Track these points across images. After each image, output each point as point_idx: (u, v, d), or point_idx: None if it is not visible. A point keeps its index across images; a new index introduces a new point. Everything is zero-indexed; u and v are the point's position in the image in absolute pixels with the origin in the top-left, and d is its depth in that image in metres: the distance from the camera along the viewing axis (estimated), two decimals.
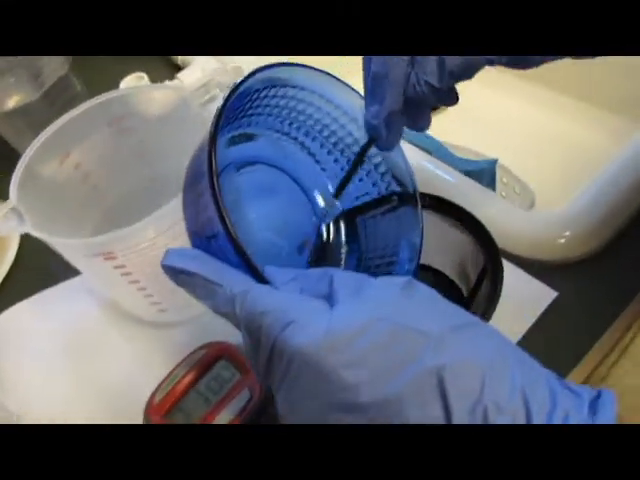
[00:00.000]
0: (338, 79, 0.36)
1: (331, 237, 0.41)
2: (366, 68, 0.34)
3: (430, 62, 0.31)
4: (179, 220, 0.31)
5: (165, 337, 0.48)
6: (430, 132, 0.62)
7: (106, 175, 0.48)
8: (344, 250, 0.41)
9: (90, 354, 0.48)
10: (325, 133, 0.40)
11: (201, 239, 0.31)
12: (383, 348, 0.23)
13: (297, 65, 0.34)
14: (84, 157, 0.47)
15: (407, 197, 0.39)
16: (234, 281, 0.27)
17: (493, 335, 0.25)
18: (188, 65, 0.68)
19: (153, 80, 0.65)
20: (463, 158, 0.63)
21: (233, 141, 0.39)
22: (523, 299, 0.45)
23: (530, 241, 0.48)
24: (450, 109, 0.75)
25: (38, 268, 0.54)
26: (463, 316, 0.26)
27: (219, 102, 0.31)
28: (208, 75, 0.44)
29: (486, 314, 0.38)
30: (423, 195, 0.42)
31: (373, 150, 0.37)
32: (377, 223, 0.41)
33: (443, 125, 0.60)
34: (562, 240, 0.47)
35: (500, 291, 0.38)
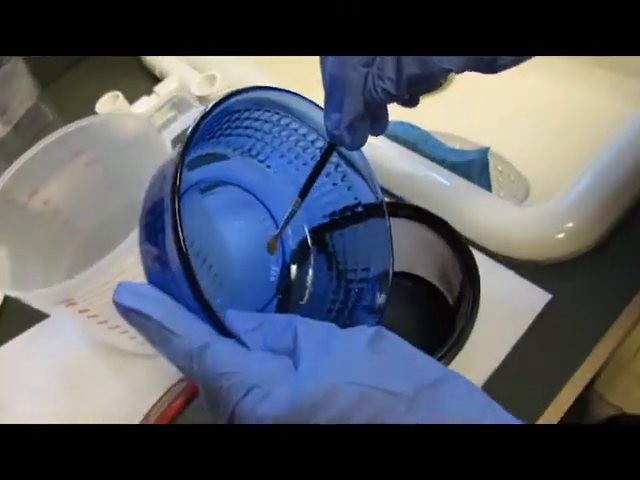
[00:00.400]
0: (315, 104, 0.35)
1: (299, 261, 0.40)
2: (323, 71, 0.32)
3: (388, 67, 0.29)
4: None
5: (152, 366, 0.47)
6: (417, 121, 0.60)
7: (77, 208, 0.47)
8: (310, 274, 0.40)
9: (79, 387, 0.48)
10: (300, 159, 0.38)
11: (157, 275, 0.29)
12: (352, 414, 0.22)
13: (279, 91, 0.33)
14: (52, 192, 0.46)
15: (374, 208, 0.38)
16: (192, 332, 0.26)
17: (469, 391, 0.24)
18: (166, 76, 0.67)
19: (130, 97, 0.64)
20: (453, 148, 0.60)
21: (199, 161, 0.38)
22: (515, 304, 0.43)
23: (525, 241, 0.45)
24: (438, 94, 0.72)
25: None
26: (436, 370, 0.24)
27: (178, 124, 0.30)
28: (165, 97, 0.43)
29: (463, 332, 0.36)
30: (395, 205, 0.40)
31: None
32: (346, 238, 0.39)
33: (430, 113, 0.57)
34: (561, 235, 0.44)
35: (477, 309, 0.36)
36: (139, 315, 0.26)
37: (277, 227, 0.42)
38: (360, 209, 0.38)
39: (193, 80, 0.61)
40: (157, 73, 0.69)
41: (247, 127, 0.36)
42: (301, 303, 0.40)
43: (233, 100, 0.31)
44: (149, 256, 0.30)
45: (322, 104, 0.33)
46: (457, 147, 0.61)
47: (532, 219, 0.46)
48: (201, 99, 0.58)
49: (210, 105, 0.29)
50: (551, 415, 0.38)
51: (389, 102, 0.31)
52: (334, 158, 0.37)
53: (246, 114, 0.35)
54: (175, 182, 0.26)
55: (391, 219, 0.39)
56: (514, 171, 0.58)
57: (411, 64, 0.29)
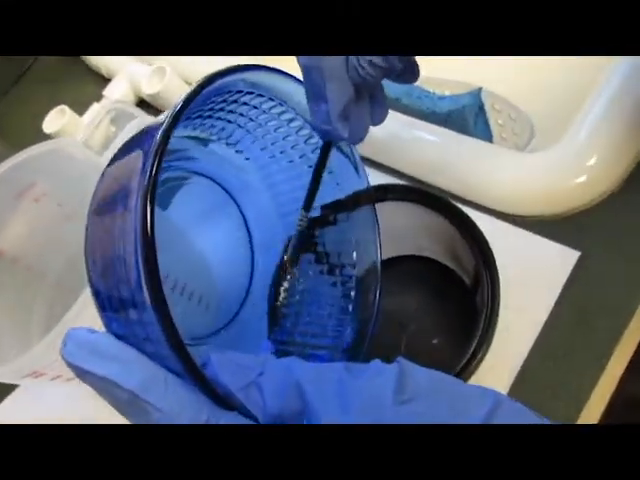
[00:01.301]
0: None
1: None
2: (299, 62, 0.27)
3: None
4: None
5: None
6: None
7: (36, 251, 0.42)
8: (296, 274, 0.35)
9: None
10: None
11: (119, 321, 0.24)
12: None
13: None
14: (5, 241, 0.41)
15: (361, 196, 0.33)
16: (181, 406, 0.21)
17: (520, 412, 0.21)
18: (114, 75, 0.60)
19: (79, 105, 0.58)
20: (442, 96, 0.54)
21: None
22: (541, 269, 0.37)
23: (541, 193, 0.39)
24: None
25: None
26: (479, 399, 0.21)
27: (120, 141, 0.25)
28: (100, 115, 0.37)
29: (488, 325, 0.31)
30: (384, 189, 0.35)
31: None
32: (328, 232, 0.35)
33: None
34: (582, 178, 0.38)
35: (498, 295, 0.31)
36: (101, 380, 0.22)
37: (249, 236, 0.37)
38: (344, 197, 0.33)
39: (143, 76, 0.55)
40: (104, 73, 0.63)
41: (231, 111, 0.32)
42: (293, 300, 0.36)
43: (221, 81, 0.26)
44: (107, 298, 0.25)
45: None
46: (446, 93, 0.55)
47: (547, 164, 0.40)
48: (148, 100, 0.52)
49: (195, 86, 0.24)
50: (605, 386, 0.34)
51: (381, 78, 0.26)
52: (313, 139, 0.32)
53: (235, 96, 0.30)
54: (145, 210, 0.21)
55: (384, 203, 0.34)
56: (513, 108, 0.52)
57: None
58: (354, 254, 0.34)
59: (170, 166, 0.34)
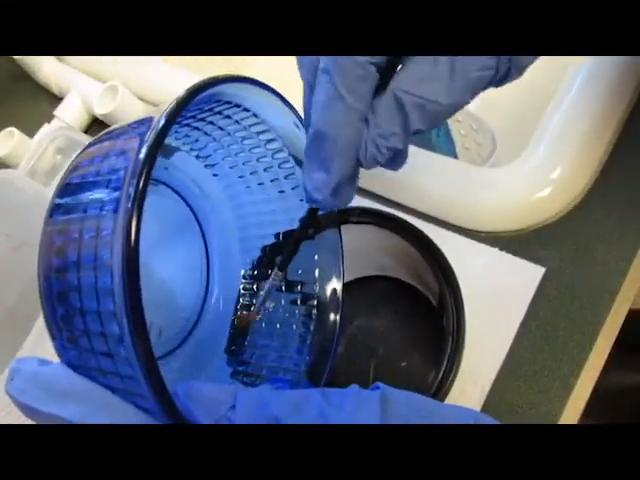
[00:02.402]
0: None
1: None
2: (306, 117, 0.27)
3: (390, 123, 0.24)
4: None
5: None
6: None
7: None
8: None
9: None
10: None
11: (78, 350, 0.22)
12: None
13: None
14: None
15: (325, 218, 0.33)
16: None
17: None
18: (65, 94, 0.58)
19: (29, 127, 0.56)
20: None
21: None
22: (508, 285, 0.37)
23: (506, 208, 0.39)
24: None
25: None
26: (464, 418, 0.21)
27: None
28: (44, 143, 0.35)
29: (456, 344, 0.30)
30: (344, 212, 0.34)
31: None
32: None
33: None
34: (547, 190, 0.38)
35: (463, 317, 0.30)
36: (56, 419, 0.20)
37: (207, 257, 0.36)
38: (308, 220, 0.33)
39: (95, 94, 0.53)
40: (55, 91, 0.60)
41: (212, 122, 0.30)
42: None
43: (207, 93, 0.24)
44: (64, 322, 0.23)
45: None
46: None
47: (510, 179, 0.39)
48: (102, 120, 0.50)
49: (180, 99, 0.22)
50: (574, 407, 0.33)
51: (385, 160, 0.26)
52: (288, 164, 0.31)
53: (221, 107, 0.29)
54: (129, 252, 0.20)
55: (345, 225, 0.33)
56: (474, 119, 0.52)
57: (417, 120, 0.24)
58: (316, 273, 0.33)
59: None
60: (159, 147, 0.21)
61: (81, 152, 0.26)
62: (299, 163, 0.31)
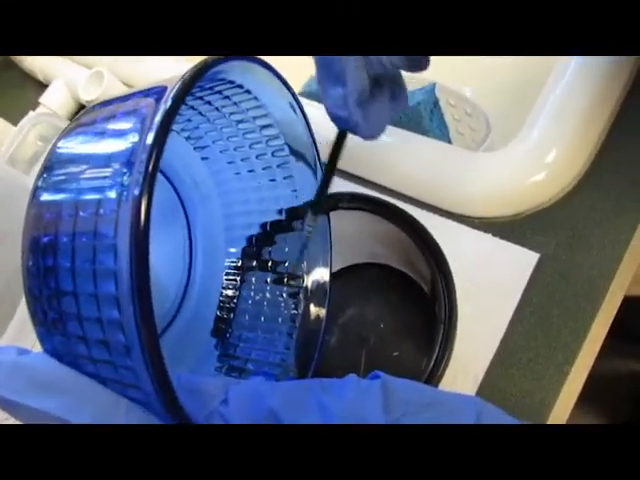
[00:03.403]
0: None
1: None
2: None
3: None
4: None
5: None
6: None
7: None
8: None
9: None
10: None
11: (68, 339, 0.21)
12: None
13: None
14: None
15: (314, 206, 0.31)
16: None
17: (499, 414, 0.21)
18: (50, 81, 0.57)
19: (14, 115, 0.54)
20: None
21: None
22: (502, 271, 0.36)
23: (500, 193, 0.38)
24: None
25: None
26: (456, 413, 0.20)
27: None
28: (24, 129, 0.34)
29: (448, 332, 0.29)
30: (336, 197, 0.33)
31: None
32: (277, 240, 0.34)
33: None
34: (541, 175, 0.37)
35: (455, 305, 0.29)
36: (38, 413, 0.18)
37: (191, 243, 0.35)
38: (300, 207, 0.32)
39: (80, 81, 0.52)
40: (40, 78, 0.59)
41: (209, 102, 0.29)
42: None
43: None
44: (48, 305, 0.22)
45: None
46: None
47: (504, 163, 0.38)
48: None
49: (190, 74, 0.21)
50: (569, 394, 0.33)
51: (401, 67, 0.25)
52: (282, 152, 0.30)
53: (223, 87, 0.28)
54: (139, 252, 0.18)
55: (334, 212, 0.32)
56: (468, 103, 0.51)
57: None
58: (303, 264, 0.32)
59: None
60: (173, 118, 0.19)
61: (70, 126, 0.24)
62: (294, 153, 0.30)
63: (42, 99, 0.55)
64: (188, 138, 0.32)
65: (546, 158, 0.37)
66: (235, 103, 0.29)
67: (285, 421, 0.20)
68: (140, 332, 0.18)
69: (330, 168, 0.28)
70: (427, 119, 0.50)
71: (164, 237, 0.34)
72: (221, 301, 0.34)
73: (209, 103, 0.29)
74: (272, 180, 0.32)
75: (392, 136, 0.42)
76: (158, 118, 0.19)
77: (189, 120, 0.31)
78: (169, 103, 0.19)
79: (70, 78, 0.55)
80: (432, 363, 0.30)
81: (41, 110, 0.54)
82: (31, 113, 0.48)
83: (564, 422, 0.32)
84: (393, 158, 0.41)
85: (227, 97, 0.28)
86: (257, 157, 0.32)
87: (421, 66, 0.25)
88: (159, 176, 0.33)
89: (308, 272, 0.32)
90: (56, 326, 0.21)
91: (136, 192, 0.18)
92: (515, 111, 0.44)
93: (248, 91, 0.28)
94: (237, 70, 0.26)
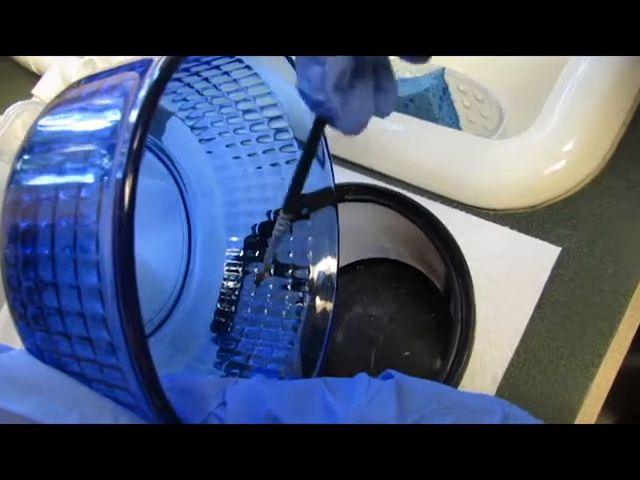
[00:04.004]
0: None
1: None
2: None
3: None
4: None
5: None
6: None
7: None
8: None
9: None
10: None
11: (49, 336, 0.19)
12: None
13: None
14: None
15: (321, 196, 0.30)
16: None
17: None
18: (43, 71, 0.54)
19: (6, 107, 0.52)
20: (403, 79, 0.50)
21: None
22: (521, 267, 0.34)
23: (516, 183, 0.35)
24: None
25: None
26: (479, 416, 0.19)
27: None
28: (9, 118, 0.32)
29: (466, 333, 0.27)
30: (342, 188, 0.30)
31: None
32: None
33: None
34: (560, 164, 0.34)
35: (473, 306, 0.27)
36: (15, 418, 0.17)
37: (190, 240, 0.33)
38: (306, 196, 0.30)
39: (73, 69, 0.50)
40: (33, 69, 0.57)
41: (205, 79, 0.27)
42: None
43: None
44: (29, 300, 0.20)
45: None
46: (407, 75, 0.51)
47: (520, 152, 0.36)
48: None
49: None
50: (596, 397, 0.30)
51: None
52: (291, 147, 0.29)
53: (220, 62, 0.26)
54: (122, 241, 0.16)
55: (341, 204, 0.30)
56: (479, 89, 0.48)
57: None
58: (309, 256, 0.30)
59: None
60: (159, 95, 0.17)
61: (52, 103, 0.22)
62: (300, 143, 0.28)
63: (35, 90, 0.53)
64: (193, 128, 0.31)
65: (566, 145, 0.35)
66: (235, 80, 0.27)
67: (281, 419, 0.18)
68: (125, 329, 0.16)
69: (306, 160, 0.25)
70: (436, 106, 0.48)
71: (160, 226, 0.32)
72: (222, 293, 0.32)
73: (206, 80, 0.27)
74: (274, 165, 0.30)
75: (401, 124, 0.40)
76: (143, 94, 0.16)
77: (185, 99, 0.29)
78: (155, 76, 0.17)
79: (63, 67, 0.53)
80: (449, 366, 0.28)
81: (33, 101, 0.52)
82: (18, 102, 0.46)
83: None
84: (402, 147, 0.39)
85: (226, 73, 0.26)
86: (258, 140, 0.30)
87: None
88: (158, 164, 0.32)
89: (314, 264, 0.30)
90: (37, 321, 0.19)
91: (119, 175, 0.16)
92: (530, 97, 0.42)
93: (248, 67, 0.26)
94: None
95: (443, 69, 0.48)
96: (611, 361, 0.30)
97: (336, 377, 0.21)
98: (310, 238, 0.30)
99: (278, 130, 0.29)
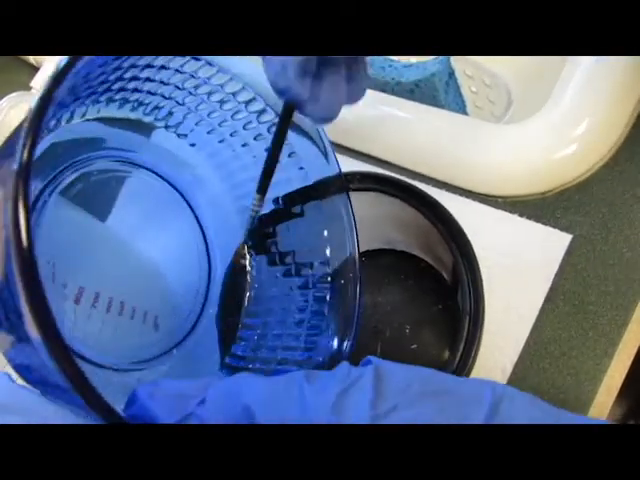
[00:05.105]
0: None
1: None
2: None
3: None
4: None
5: None
6: None
7: None
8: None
9: None
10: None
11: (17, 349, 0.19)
12: None
13: None
14: None
15: (329, 183, 0.29)
16: None
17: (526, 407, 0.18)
18: (42, 64, 0.54)
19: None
20: (408, 64, 0.49)
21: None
22: (531, 255, 0.33)
23: (527, 169, 0.34)
24: None
25: None
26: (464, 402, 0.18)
27: None
28: (2, 110, 0.31)
29: (474, 324, 0.26)
30: (348, 177, 0.30)
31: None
32: (294, 227, 0.30)
33: None
34: (572, 148, 0.33)
35: (481, 295, 0.26)
36: None
37: (204, 238, 0.33)
38: (310, 186, 0.29)
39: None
40: (32, 62, 0.56)
41: (162, 82, 0.27)
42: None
43: None
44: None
45: None
46: (412, 60, 0.49)
47: (530, 136, 0.35)
48: None
49: None
50: (609, 389, 0.30)
51: None
52: (256, 104, 0.28)
53: (159, 61, 0.25)
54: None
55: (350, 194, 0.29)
56: (487, 73, 0.47)
57: None
58: (327, 250, 0.29)
59: (95, 158, 0.29)
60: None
61: None
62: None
63: (34, 83, 0.52)
64: (167, 127, 0.30)
65: (577, 129, 0.34)
66: (192, 75, 0.27)
67: (259, 420, 0.18)
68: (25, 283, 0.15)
69: (274, 150, 0.25)
70: (442, 92, 0.47)
71: (170, 234, 0.32)
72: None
73: (163, 83, 0.27)
74: (257, 138, 0.29)
75: (406, 110, 0.39)
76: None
77: (157, 107, 0.28)
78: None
79: (62, 60, 0.52)
80: (457, 358, 0.27)
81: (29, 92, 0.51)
82: (12, 94, 0.46)
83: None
84: (408, 133, 0.38)
85: (178, 71, 0.26)
86: (244, 127, 0.29)
87: None
88: (149, 174, 0.31)
89: (332, 257, 0.29)
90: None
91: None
92: (539, 80, 0.41)
93: (196, 58, 0.25)
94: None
95: None
96: (625, 352, 0.30)
97: None
98: (326, 232, 0.29)
99: (248, 102, 0.28)
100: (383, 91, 0.44)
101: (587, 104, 0.34)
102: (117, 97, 0.27)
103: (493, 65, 0.46)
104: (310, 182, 0.29)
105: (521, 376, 0.30)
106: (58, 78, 0.18)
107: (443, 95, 0.47)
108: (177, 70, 0.26)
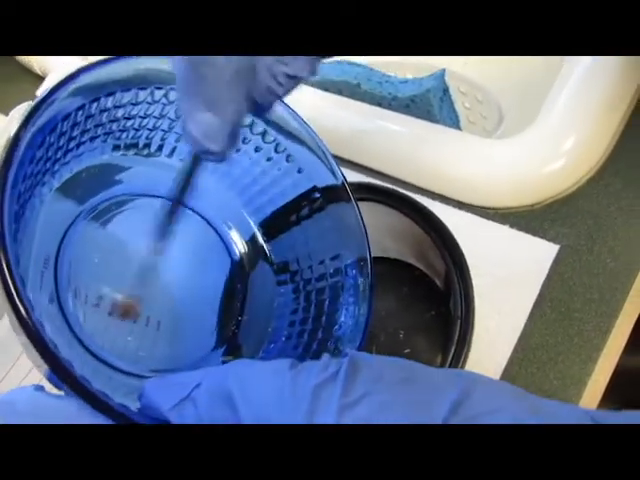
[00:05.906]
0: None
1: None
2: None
3: None
4: None
5: None
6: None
7: None
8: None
9: None
10: None
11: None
12: None
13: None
14: None
15: (333, 191, 0.30)
16: None
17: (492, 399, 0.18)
18: (48, 73, 0.55)
19: (9, 107, 0.53)
20: (404, 79, 0.50)
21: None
22: (520, 264, 0.34)
23: (516, 182, 0.36)
24: None
25: None
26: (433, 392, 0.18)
27: None
28: (13, 121, 0.32)
29: (464, 331, 0.27)
30: (361, 187, 0.31)
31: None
32: (305, 231, 0.31)
33: None
34: (560, 162, 0.35)
35: (472, 302, 0.28)
36: None
37: (216, 232, 0.33)
38: (315, 195, 0.30)
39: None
40: (37, 71, 0.57)
41: (127, 117, 0.28)
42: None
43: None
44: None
45: None
46: (408, 76, 0.51)
47: (520, 150, 0.36)
48: None
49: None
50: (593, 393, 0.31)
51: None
52: (259, 127, 0.29)
53: (111, 100, 0.26)
54: None
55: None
56: (480, 90, 0.49)
57: None
58: (343, 258, 0.30)
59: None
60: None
61: None
62: (280, 130, 0.29)
63: (40, 92, 0.53)
64: (150, 155, 0.31)
65: (565, 144, 0.35)
66: (156, 101, 0.27)
67: (239, 410, 0.18)
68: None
69: (179, 198, 0.25)
70: (437, 107, 0.48)
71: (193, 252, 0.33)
72: None
73: (127, 118, 0.28)
74: (269, 160, 0.31)
75: (401, 123, 0.40)
76: None
77: (134, 134, 0.29)
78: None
79: (67, 69, 0.53)
80: (448, 362, 0.28)
81: None
82: (22, 104, 0.47)
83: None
84: (402, 146, 0.39)
85: (136, 103, 0.27)
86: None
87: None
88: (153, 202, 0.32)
89: (347, 267, 0.30)
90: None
91: None
92: (529, 97, 0.42)
93: (142, 88, 0.26)
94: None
95: (444, 70, 0.48)
96: (609, 357, 0.31)
97: None
98: (336, 236, 0.30)
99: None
100: (379, 105, 0.45)
101: (574, 121, 0.35)
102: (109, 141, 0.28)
103: (485, 83, 0.48)
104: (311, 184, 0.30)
105: (510, 380, 0.32)
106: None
107: (437, 110, 0.48)
108: (154, 101, 0.27)
